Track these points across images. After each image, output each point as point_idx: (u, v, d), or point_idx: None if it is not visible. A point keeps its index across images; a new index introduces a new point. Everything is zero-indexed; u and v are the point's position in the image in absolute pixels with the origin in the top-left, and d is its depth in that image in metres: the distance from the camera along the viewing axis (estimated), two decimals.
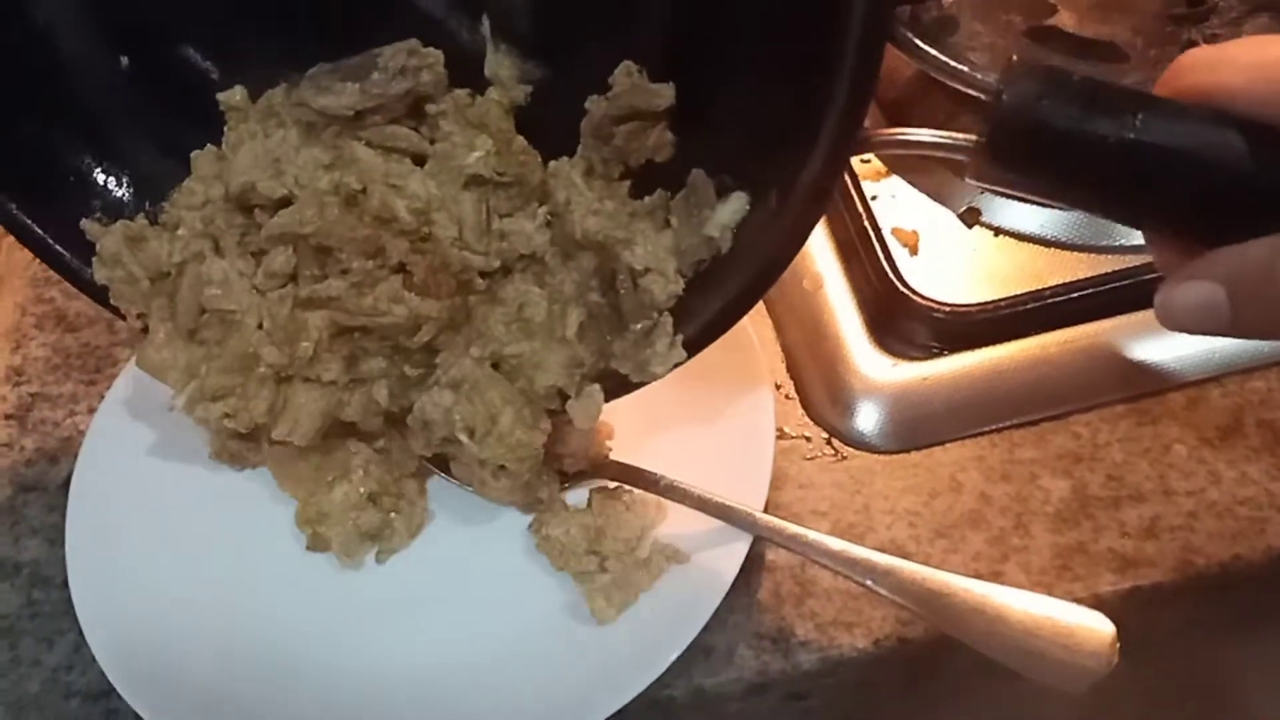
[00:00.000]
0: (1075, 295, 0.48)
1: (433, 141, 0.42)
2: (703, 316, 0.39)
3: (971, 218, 0.53)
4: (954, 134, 0.33)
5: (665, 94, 0.39)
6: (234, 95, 0.42)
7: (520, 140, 0.41)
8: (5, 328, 0.53)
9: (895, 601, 0.38)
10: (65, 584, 0.44)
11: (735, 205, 0.38)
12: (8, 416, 0.50)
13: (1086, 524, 0.44)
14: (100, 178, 0.44)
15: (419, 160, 0.42)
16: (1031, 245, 0.52)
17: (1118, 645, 0.35)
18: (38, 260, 0.43)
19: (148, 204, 0.44)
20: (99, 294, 0.43)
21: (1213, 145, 0.29)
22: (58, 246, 0.43)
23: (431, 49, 0.41)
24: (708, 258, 0.39)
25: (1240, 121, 0.29)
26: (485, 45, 0.41)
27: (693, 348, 0.39)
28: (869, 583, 0.38)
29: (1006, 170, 0.32)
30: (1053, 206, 0.51)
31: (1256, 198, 0.29)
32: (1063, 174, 0.31)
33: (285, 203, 0.41)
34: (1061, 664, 0.35)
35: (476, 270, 0.41)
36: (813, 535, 0.40)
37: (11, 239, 0.51)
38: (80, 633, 0.42)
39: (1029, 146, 0.31)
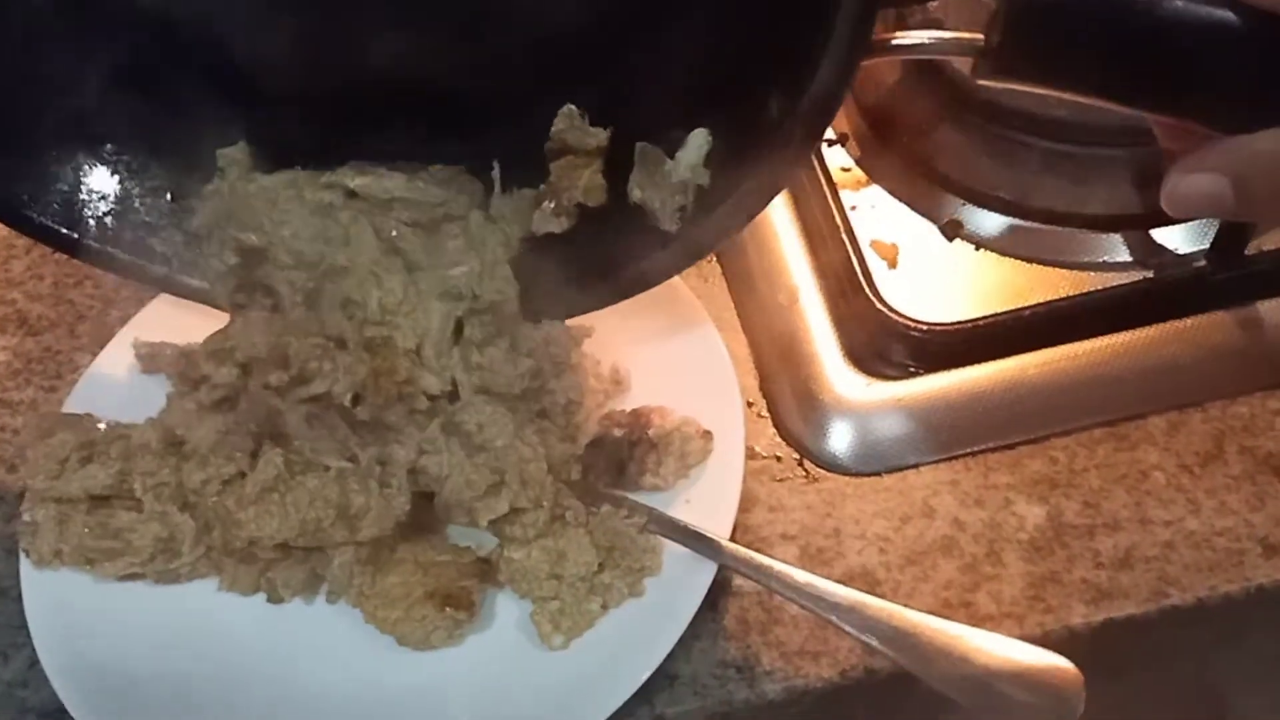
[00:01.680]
0: (1056, 314, 0.47)
1: None
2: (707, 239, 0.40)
3: (953, 230, 0.51)
4: (961, 33, 0.33)
5: (599, 135, 0.40)
6: (236, 151, 0.42)
7: (506, 272, 0.42)
8: None
9: (859, 639, 0.37)
10: (20, 596, 0.43)
11: (696, 143, 0.39)
12: None
13: (1060, 553, 0.43)
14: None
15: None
16: (1013, 261, 0.50)
17: (1083, 692, 0.35)
18: None
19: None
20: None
21: (1228, 27, 0.29)
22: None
23: (477, 181, 0.42)
24: (688, 201, 0.39)
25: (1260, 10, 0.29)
26: (494, 185, 0.42)
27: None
28: (833, 618, 0.38)
29: (1022, 59, 0.32)
30: (1057, 114, 0.49)
31: (1267, 89, 0.29)
32: (1079, 59, 0.31)
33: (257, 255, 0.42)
34: (1027, 709, 0.35)
35: (422, 390, 0.42)
36: (779, 566, 0.39)
37: None
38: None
39: (1046, 30, 0.30)
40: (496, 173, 0.42)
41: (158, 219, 0.44)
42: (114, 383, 0.48)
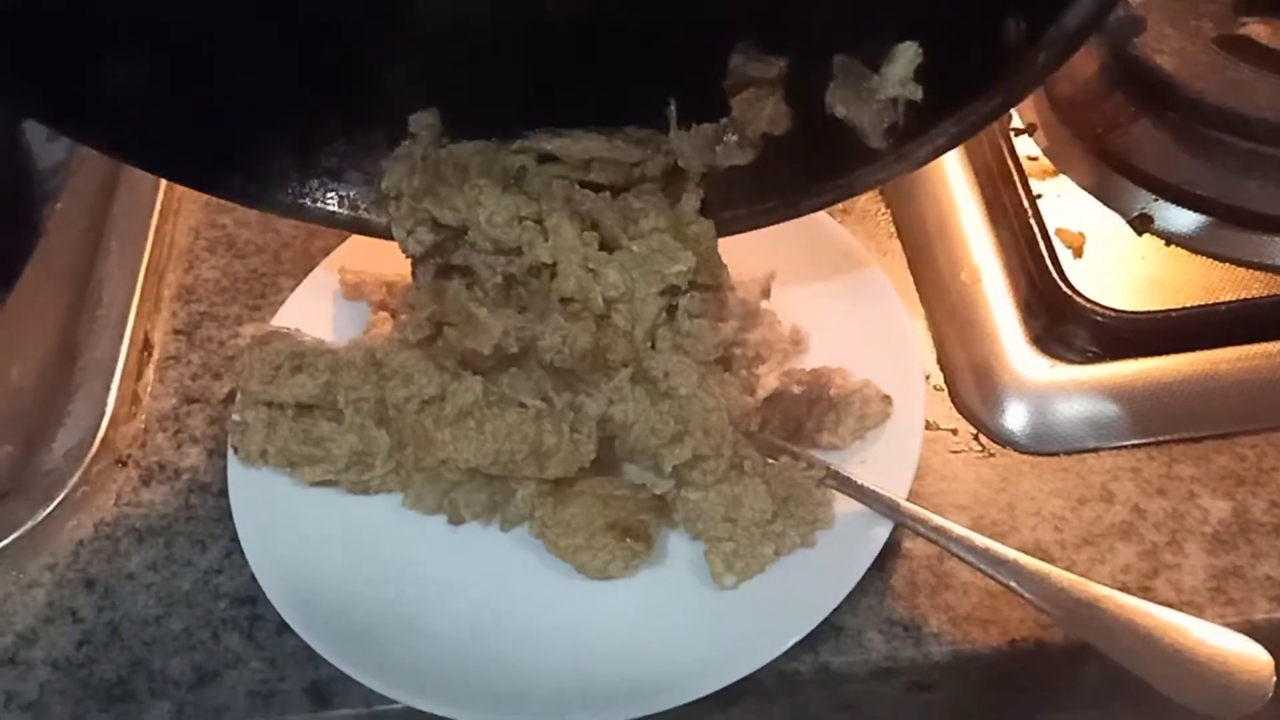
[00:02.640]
0: (1253, 311, 0.46)
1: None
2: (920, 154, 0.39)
3: (1143, 224, 0.51)
4: None
5: (778, 64, 0.40)
6: (428, 115, 0.43)
7: (719, 259, 0.43)
8: (180, 249, 0.56)
9: (1039, 607, 0.37)
10: (221, 492, 0.46)
11: (906, 57, 0.38)
12: (177, 331, 0.53)
13: (1245, 548, 0.42)
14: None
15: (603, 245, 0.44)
16: (1204, 258, 0.50)
17: (1275, 679, 0.34)
18: None
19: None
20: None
21: None
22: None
23: (670, 140, 0.43)
24: (899, 117, 0.39)
25: None
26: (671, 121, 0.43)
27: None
28: (1013, 584, 0.38)
29: None
30: (1265, 115, 0.48)
31: None
32: None
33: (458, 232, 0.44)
34: (1214, 689, 0.34)
35: (622, 360, 0.43)
36: (958, 529, 0.40)
37: None
38: (232, 539, 0.45)
39: None
40: (673, 110, 0.42)
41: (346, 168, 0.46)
42: (318, 305, 0.51)
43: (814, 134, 0.41)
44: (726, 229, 0.44)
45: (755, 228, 0.44)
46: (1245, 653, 0.35)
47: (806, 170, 0.42)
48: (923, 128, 0.39)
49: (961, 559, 0.40)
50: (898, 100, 0.39)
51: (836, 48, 0.39)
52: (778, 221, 0.44)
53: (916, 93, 0.38)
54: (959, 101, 0.38)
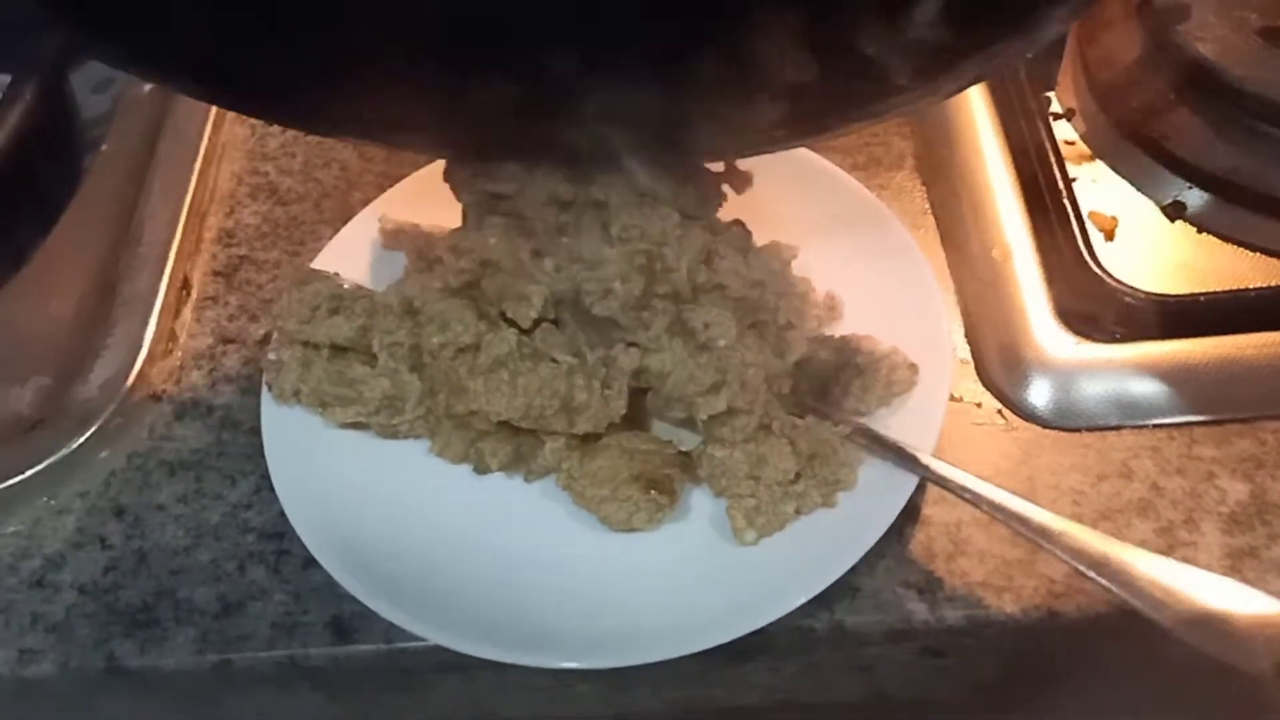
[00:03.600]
0: None
1: None
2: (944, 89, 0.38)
3: (1175, 212, 0.51)
4: None
5: None
6: None
7: None
8: (222, 194, 0.57)
9: (1067, 562, 0.37)
10: (253, 430, 0.47)
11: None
12: (216, 273, 0.54)
13: (1261, 530, 0.43)
14: None
15: None
16: (1236, 247, 0.50)
17: None
18: (255, 135, 0.45)
19: None
20: None
21: None
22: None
23: None
24: (926, 61, 0.37)
25: None
26: None
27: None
28: (1041, 541, 0.38)
29: None
30: None
31: None
32: None
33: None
34: (1245, 638, 0.34)
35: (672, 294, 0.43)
36: (985, 486, 0.40)
37: (233, 114, 0.55)
38: (262, 476, 0.45)
39: None
40: None
41: None
42: (356, 252, 0.51)
43: (843, 69, 0.41)
44: (751, 148, 0.43)
45: (781, 149, 0.44)
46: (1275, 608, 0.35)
47: (836, 100, 0.42)
48: (950, 62, 0.38)
49: (992, 515, 0.39)
50: (925, 43, 0.37)
51: None
52: (803, 142, 0.44)
53: (941, 33, 0.37)
54: (987, 40, 0.37)
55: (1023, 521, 0.38)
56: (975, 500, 0.40)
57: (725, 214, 0.48)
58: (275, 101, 0.41)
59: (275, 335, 0.47)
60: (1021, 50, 0.36)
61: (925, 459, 0.41)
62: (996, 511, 0.39)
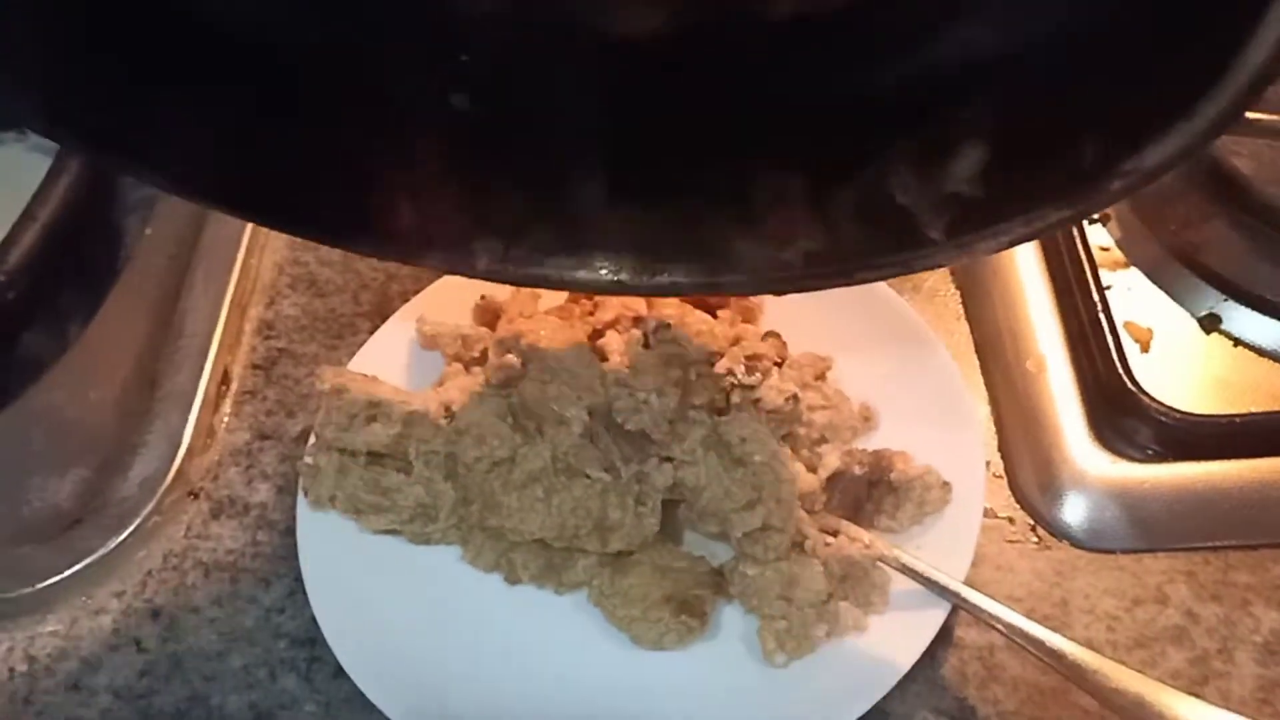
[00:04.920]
0: None
1: None
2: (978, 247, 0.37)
3: (1211, 324, 0.51)
4: None
5: None
6: None
7: None
8: (263, 284, 0.58)
9: (1101, 701, 0.37)
10: (288, 530, 0.47)
11: (971, 158, 0.36)
12: (255, 366, 0.54)
13: None
14: None
15: None
16: (1271, 362, 0.50)
17: None
18: None
19: None
20: None
21: None
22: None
23: None
24: (959, 212, 0.37)
25: None
26: None
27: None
28: (1076, 679, 0.38)
29: None
30: None
31: None
32: None
33: None
34: None
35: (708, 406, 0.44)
36: (1020, 620, 0.40)
37: None
38: (295, 578, 0.46)
39: None
40: None
41: None
42: (394, 350, 0.52)
43: (876, 215, 0.41)
44: (780, 287, 0.43)
45: (809, 291, 0.44)
46: None
47: (868, 244, 0.42)
48: (987, 222, 0.38)
49: (1024, 649, 0.39)
50: (959, 198, 0.38)
51: (902, 134, 0.38)
52: (832, 287, 0.45)
53: (978, 191, 0.37)
54: (1028, 204, 0.37)
55: (1057, 658, 0.38)
56: (1009, 632, 0.40)
57: (761, 324, 0.48)
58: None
59: (312, 440, 0.47)
60: (1066, 220, 0.36)
61: (957, 588, 0.41)
62: (1030, 645, 0.39)
